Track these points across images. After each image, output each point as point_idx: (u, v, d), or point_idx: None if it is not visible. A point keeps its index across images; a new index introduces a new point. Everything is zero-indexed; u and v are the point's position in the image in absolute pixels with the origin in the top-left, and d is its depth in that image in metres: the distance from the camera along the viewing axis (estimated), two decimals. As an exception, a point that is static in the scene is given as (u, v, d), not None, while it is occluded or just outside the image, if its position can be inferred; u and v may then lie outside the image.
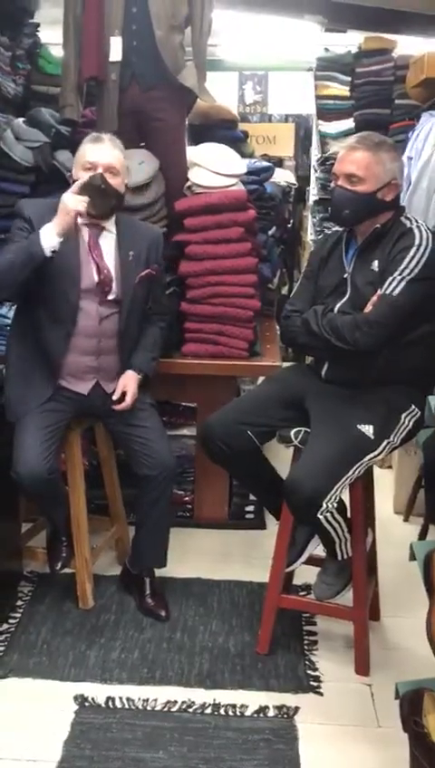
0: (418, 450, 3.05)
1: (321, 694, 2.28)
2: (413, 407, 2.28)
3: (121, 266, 2.53)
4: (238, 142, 3.72)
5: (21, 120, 3.21)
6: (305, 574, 2.62)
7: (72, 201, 2.31)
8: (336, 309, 2.33)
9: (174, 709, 2.19)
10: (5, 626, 2.53)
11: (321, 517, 2.14)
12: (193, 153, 3.10)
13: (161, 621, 2.58)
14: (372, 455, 2.20)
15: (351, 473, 2.17)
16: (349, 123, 4.80)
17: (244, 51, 5.36)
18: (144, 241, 2.60)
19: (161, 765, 1.98)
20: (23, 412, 2.48)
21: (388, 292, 2.21)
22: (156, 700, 2.21)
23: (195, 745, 2.05)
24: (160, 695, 2.24)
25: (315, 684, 2.31)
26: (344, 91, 4.91)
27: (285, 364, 2.97)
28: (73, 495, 2.60)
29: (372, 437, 2.20)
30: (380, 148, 2.28)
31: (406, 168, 3.34)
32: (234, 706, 2.20)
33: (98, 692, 2.24)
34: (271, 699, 2.23)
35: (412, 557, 1.76)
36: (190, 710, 2.19)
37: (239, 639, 2.50)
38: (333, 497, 2.13)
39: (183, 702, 2.21)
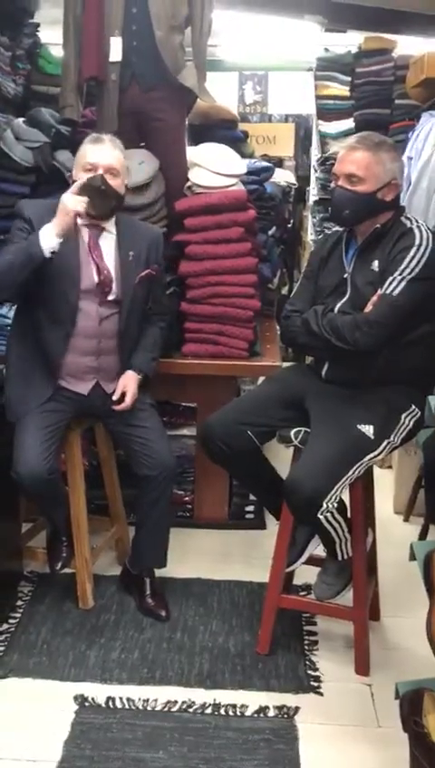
0: (418, 450, 3.05)
1: (321, 694, 2.28)
2: (413, 407, 2.28)
3: (121, 266, 2.53)
4: (238, 142, 3.72)
5: (21, 120, 3.21)
6: (305, 574, 2.62)
7: (72, 202, 2.31)
8: (336, 309, 2.33)
9: (174, 709, 2.19)
10: (5, 626, 2.53)
11: (321, 517, 2.14)
12: (193, 153, 3.10)
13: (161, 621, 2.58)
14: (372, 455, 2.21)
15: (351, 473, 2.17)
16: (349, 123, 4.80)
17: (244, 51, 5.36)
18: (144, 241, 2.60)
19: (161, 765, 1.98)
20: (23, 412, 2.48)
21: (388, 292, 2.21)
22: (156, 700, 2.21)
23: (195, 745, 2.05)
24: (160, 695, 2.24)
25: (316, 684, 2.31)
26: (344, 91, 4.91)
27: (285, 364, 2.97)
28: (73, 495, 2.60)
29: (373, 437, 2.20)
30: (380, 149, 2.28)
31: (406, 168, 3.34)
32: (234, 706, 2.20)
33: (98, 692, 2.24)
34: (271, 699, 2.23)
35: (412, 557, 1.76)
36: (190, 710, 2.19)
37: (239, 639, 2.50)
38: (334, 497, 2.13)
39: (183, 702, 2.21)
